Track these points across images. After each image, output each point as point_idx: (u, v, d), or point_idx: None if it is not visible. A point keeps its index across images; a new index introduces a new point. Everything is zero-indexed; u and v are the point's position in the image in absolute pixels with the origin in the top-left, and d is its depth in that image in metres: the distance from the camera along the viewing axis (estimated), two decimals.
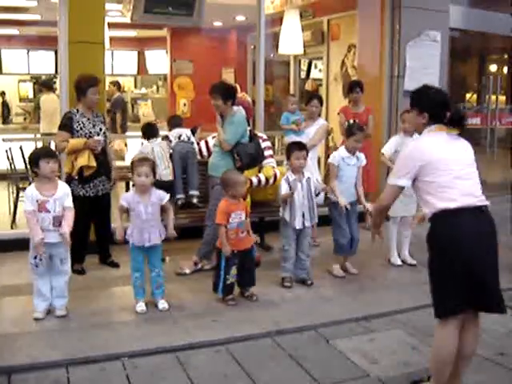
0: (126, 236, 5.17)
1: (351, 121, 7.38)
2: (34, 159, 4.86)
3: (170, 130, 7.01)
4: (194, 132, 6.93)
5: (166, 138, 6.80)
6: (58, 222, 4.85)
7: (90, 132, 6.12)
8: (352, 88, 7.82)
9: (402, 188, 3.75)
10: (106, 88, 9.12)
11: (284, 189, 5.75)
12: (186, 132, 6.87)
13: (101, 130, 6.23)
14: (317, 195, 6.03)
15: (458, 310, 3.56)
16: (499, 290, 3.61)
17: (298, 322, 5.04)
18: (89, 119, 6.17)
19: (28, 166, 5.11)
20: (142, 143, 6.91)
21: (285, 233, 5.84)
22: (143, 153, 6.37)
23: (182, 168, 6.73)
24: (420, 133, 3.78)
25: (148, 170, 5.09)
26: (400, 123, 6.87)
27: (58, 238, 4.88)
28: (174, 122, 7.12)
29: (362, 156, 6.22)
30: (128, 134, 11.62)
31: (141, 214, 5.09)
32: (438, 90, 3.90)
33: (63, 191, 4.94)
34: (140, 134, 6.90)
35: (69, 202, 4.97)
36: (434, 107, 3.69)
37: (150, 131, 6.89)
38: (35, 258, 4.87)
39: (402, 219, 6.54)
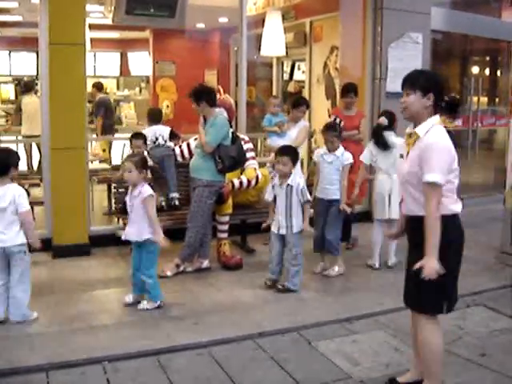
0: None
1: (337, 119, 7.24)
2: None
3: (149, 123, 7.05)
4: (174, 135, 6.96)
5: (142, 137, 6.84)
6: None
7: None
8: (346, 92, 7.58)
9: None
10: (89, 89, 9.09)
11: (268, 191, 5.80)
12: (163, 134, 6.93)
13: None
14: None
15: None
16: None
17: (280, 324, 5.03)
18: None
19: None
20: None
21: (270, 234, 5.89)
22: None
23: (160, 171, 6.79)
24: (418, 120, 3.59)
25: (131, 165, 5.13)
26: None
27: None
28: (154, 116, 7.15)
29: (345, 155, 6.21)
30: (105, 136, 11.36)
31: (127, 204, 5.25)
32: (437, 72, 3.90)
33: None
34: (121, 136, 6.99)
35: None
36: (439, 87, 3.57)
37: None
38: None
39: (388, 222, 6.43)
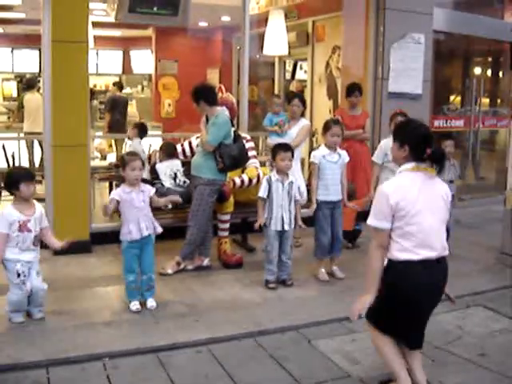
0: (121, 236, 5.17)
1: (339, 118, 7.17)
2: (14, 182, 4.70)
3: (164, 158, 6.95)
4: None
5: (154, 174, 6.82)
6: (37, 241, 4.83)
7: None
8: (350, 92, 7.58)
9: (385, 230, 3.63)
10: (91, 86, 9.09)
11: (264, 188, 5.76)
12: (179, 168, 6.82)
13: None
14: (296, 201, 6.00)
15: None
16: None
17: (279, 322, 5.04)
18: None
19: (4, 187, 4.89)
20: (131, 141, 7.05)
21: (266, 233, 5.84)
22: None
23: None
24: (400, 165, 3.75)
25: (140, 164, 5.15)
26: (386, 126, 6.82)
27: (36, 256, 4.88)
28: (169, 151, 7.06)
29: (343, 153, 6.20)
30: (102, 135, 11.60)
31: (134, 201, 5.10)
32: (421, 124, 3.86)
33: (40, 210, 4.88)
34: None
35: (46, 222, 4.97)
36: (415, 141, 3.64)
37: (141, 131, 6.98)
38: (18, 276, 4.74)
39: None
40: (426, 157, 3.61)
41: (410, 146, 3.63)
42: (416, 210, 3.53)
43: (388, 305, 3.66)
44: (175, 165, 6.84)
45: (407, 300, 3.58)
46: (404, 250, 3.55)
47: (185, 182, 6.79)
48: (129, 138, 7.56)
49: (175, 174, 6.77)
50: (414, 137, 3.67)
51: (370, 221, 3.66)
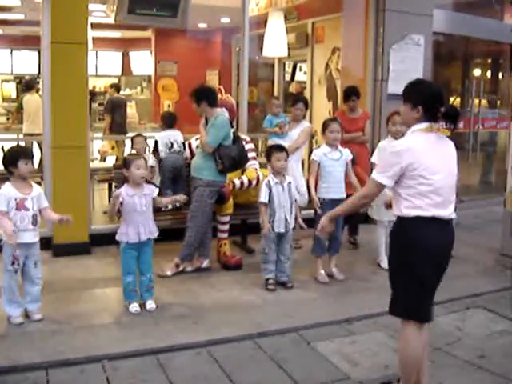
0: (118, 236, 5.16)
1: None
2: (12, 159, 4.74)
3: (163, 127, 7.01)
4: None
5: (154, 148, 6.85)
6: (35, 220, 4.81)
7: None
8: (348, 97, 7.58)
9: (384, 186, 3.63)
10: (90, 87, 9.10)
11: (264, 192, 5.75)
12: (177, 139, 6.87)
13: None
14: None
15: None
16: None
17: (279, 324, 5.03)
18: None
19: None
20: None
21: (266, 236, 5.81)
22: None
23: (172, 179, 6.80)
24: (408, 128, 3.69)
25: (144, 162, 5.17)
26: (386, 127, 6.79)
27: (34, 237, 4.86)
28: (169, 120, 7.10)
29: (346, 151, 6.18)
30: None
31: (136, 206, 5.09)
32: (433, 84, 3.83)
33: (38, 190, 4.89)
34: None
35: (46, 202, 4.97)
36: (429, 101, 3.58)
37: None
38: (13, 263, 4.74)
39: (390, 223, 6.41)
40: (440, 116, 3.58)
41: (425, 107, 3.57)
42: (430, 170, 3.48)
43: (405, 267, 3.60)
44: (174, 135, 6.93)
45: (420, 253, 3.52)
46: (415, 208, 3.51)
47: (180, 151, 6.90)
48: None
49: (172, 143, 6.83)
50: (429, 97, 3.61)
51: (374, 174, 3.62)
